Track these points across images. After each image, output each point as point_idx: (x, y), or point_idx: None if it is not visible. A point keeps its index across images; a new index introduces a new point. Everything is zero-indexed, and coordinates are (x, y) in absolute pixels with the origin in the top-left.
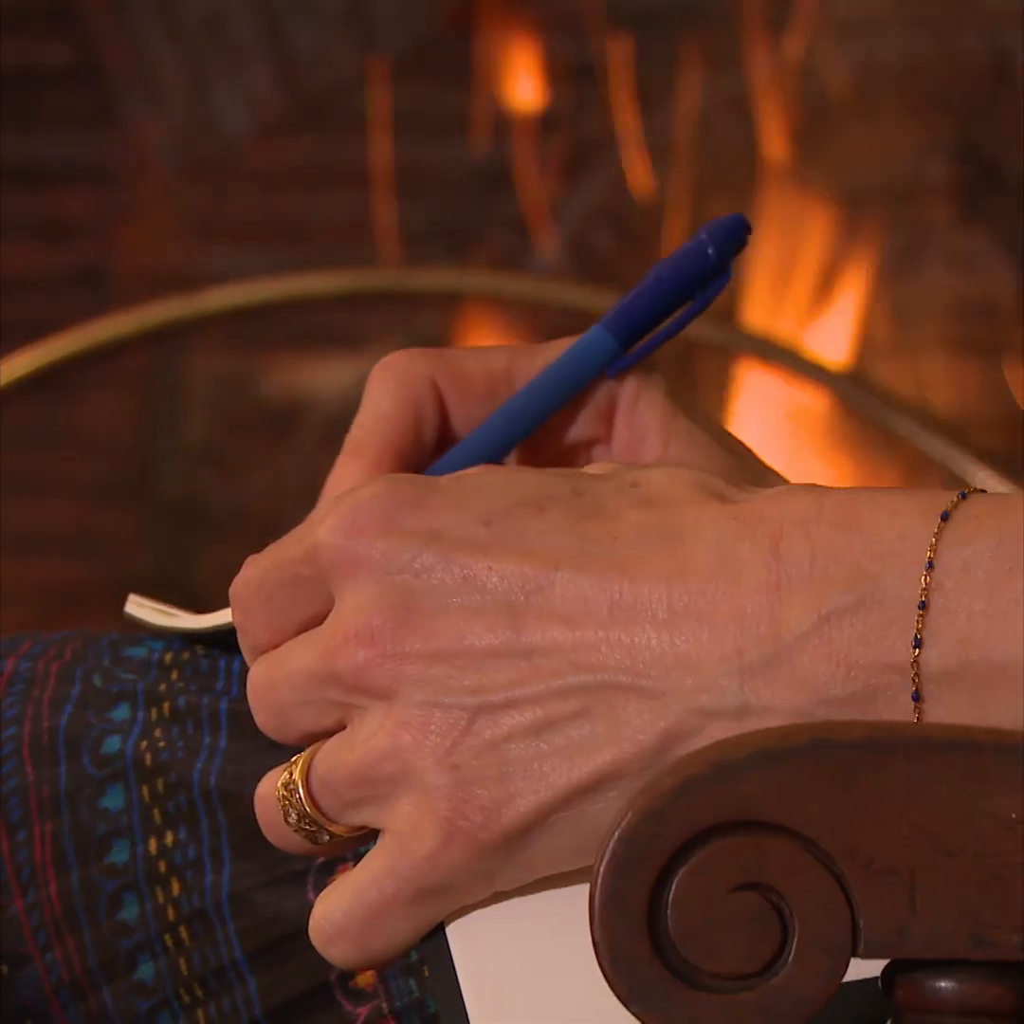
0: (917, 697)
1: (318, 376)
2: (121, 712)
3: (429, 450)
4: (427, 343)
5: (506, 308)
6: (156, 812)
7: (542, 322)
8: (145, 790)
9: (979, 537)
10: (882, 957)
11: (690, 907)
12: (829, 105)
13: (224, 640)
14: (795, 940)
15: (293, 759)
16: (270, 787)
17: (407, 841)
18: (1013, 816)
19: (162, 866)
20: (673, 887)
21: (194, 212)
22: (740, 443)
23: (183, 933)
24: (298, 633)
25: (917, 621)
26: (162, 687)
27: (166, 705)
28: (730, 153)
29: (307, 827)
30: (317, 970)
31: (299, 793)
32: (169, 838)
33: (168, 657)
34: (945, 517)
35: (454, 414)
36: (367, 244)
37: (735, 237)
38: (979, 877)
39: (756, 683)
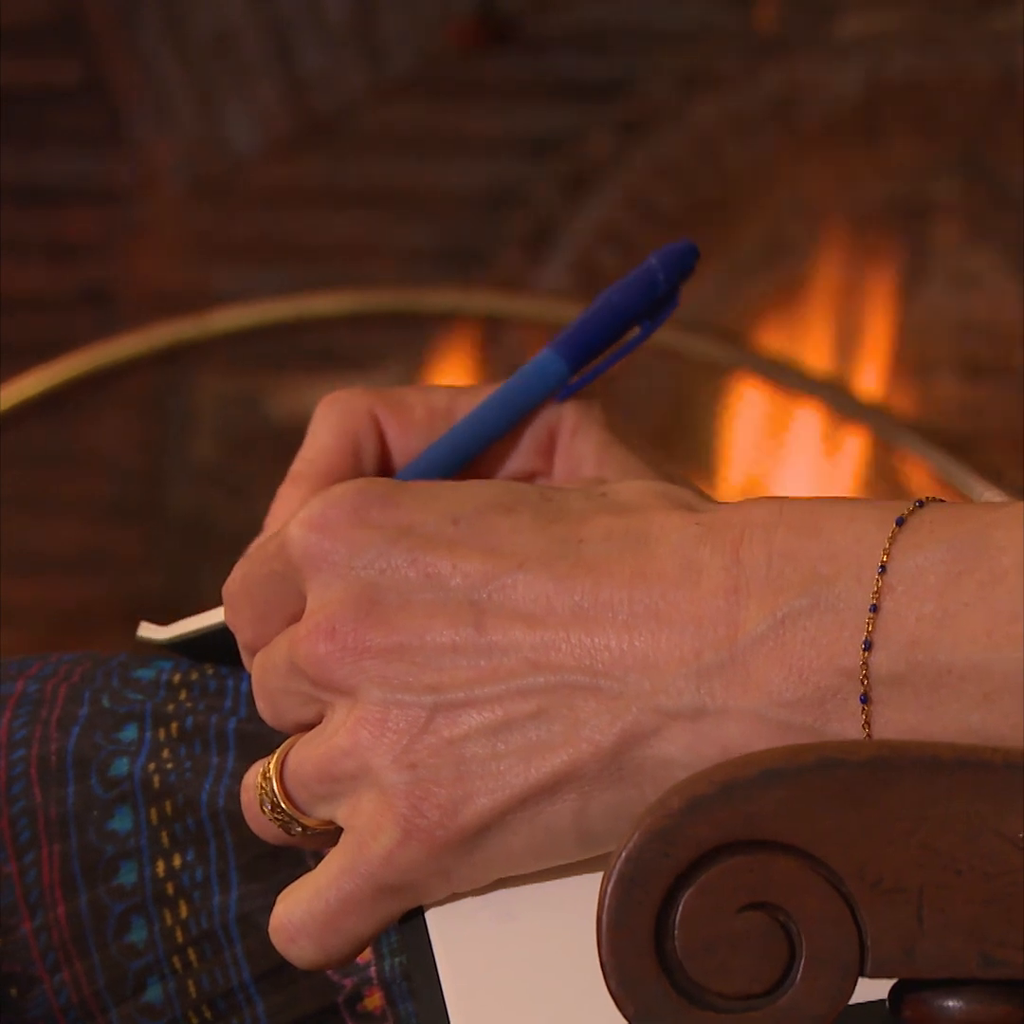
0: (865, 699)
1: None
2: (129, 733)
3: None
4: (434, 362)
5: (512, 328)
6: (164, 834)
7: (548, 342)
8: (153, 812)
9: (932, 543)
10: (890, 977)
11: (697, 927)
12: (835, 123)
13: (234, 644)
14: (802, 959)
15: (275, 750)
16: (253, 776)
17: (365, 839)
18: (1021, 835)
19: (170, 888)
20: (680, 907)
21: (202, 231)
22: (676, 473)
23: (191, 955)
24: (283, 628)
25: (867, 624)
26: (170, 707)
27: (174, 725)
28: (735, 172)
29: (279, 817)
30: (325, 992)
31: (273, 784)
32: (177, 860)
33: (176, 677)
34: (900, 523)
35: (394, 447)
36: (374, 264)
37: (684, 263)
38: (987, 896)
39: (712, 685)
